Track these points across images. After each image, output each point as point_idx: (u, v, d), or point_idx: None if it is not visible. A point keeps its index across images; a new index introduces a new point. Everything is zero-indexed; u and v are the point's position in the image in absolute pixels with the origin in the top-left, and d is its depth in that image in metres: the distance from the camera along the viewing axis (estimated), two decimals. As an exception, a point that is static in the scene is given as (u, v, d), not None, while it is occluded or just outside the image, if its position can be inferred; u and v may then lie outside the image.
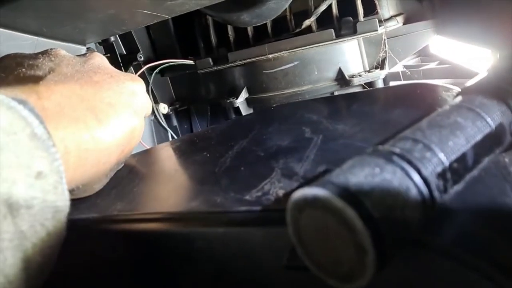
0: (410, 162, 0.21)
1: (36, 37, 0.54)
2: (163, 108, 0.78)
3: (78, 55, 0.41)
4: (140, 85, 0.41)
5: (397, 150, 0.22)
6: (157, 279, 0.31)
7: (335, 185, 0.19)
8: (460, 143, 0.23)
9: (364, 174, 0.20)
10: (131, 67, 0.77)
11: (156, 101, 0.78)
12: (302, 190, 0.20)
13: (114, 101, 0.36)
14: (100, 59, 0.41)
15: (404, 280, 0.23)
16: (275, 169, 0.33)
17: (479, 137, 0.24)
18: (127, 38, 0.78)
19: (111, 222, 0.32)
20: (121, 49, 0.78)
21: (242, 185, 0.32)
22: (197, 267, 0.30)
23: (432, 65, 0.67)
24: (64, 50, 0.41)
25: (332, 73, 0.67)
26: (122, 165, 0.42)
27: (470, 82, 0.31)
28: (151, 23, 0.55)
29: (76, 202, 0.38)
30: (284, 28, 0.71)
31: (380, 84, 0.66)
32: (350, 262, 0.19)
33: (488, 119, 0.26)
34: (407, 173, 0.20)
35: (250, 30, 0.73)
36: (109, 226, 0.32)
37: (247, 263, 0.28)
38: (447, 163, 0.22)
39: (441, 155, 0.22)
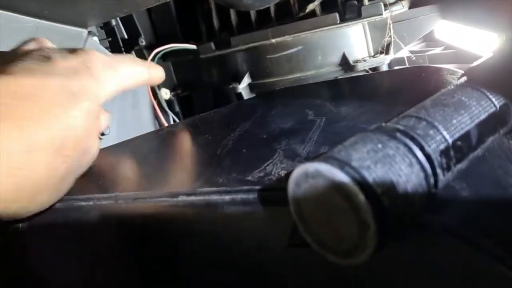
0: (413, 139, 0.20)
1: (38, 20, 0.53)
2: (165, 93, 0.78)
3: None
4: (87, 57, 0.32)
5: (400, 127, 0.21)
6: (157, 259, 0.31)
7: (337, 160, 0.19)
8: (464, 121, 0.23)
9: (366, 149, 0.19)
10: (133, 52, 0.77)
11: (157, 86, 0.78)
12: (303, 165, 0.19)
13: (36, 90, 0.28)
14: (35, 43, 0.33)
15: (407, 259, 0.23)
16: (278, 150, 0.33)
17: (483, 116, 0.24)
18: (128, 22, 0.77)
19: (113, 202, 0.32)
20: (123, 33, 0.77)
21: (245, 166, 0.32)
22: (199, 247, 0.30)
23: (438, 50, 0.66)
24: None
25: (336, 58, 0.67)
26: (86, 168, 0.35)
27: (475, 63, 0.30)
28: (153, 6, 0.55)
29: (77, 182, 0.38)
30: (288, 12, 0.70)
31: (384, 69, 0.66)
32: (352, 237, 0.18)
33: (493, 99, 0.25)
34: (410, 149, 0.20)
35: (253, 14, 0.72)
36: (111, 205, 0.32)
37: (249, 243, 0.28)
38: (450, 141, 0.22)
39: (445, 133, 0.22)
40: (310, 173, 0.19)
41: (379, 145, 0.20)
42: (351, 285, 0.24)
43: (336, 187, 0.18)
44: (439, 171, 0.21)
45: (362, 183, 0.18)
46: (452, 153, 0.22)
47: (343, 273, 0.24)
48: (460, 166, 0.23)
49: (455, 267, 0.22)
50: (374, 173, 0.18)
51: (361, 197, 0.17)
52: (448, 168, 0.22)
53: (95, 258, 0.33)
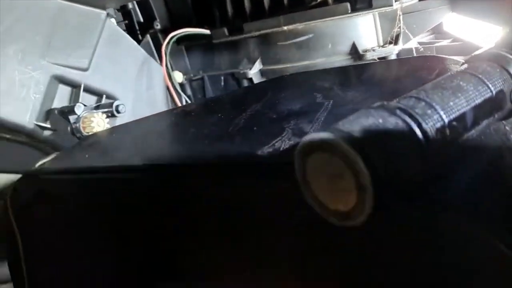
0: (411, 116, 0.22)
1: (59, 1, 0.55)
2: (178, 76, 0.80)
3: None
4: None
5: (400, 105, 0.23)
6: (170, 223, 0.33)
7: (340, 131, 0.21)
8: (461, 104, 0.25)
9: (368, 123, 0.21)
10: (148, 35, 0.79)
11: (171, 69, 0.80)
12: (309, 136, 0.21)
13: None
14: None
15: (403, 231, 0.25)
16: (286, 129, 0.35)
17: (479, 100, 0.26)
18: (144, 6, 0.79)
19: (130, 171, 0.35)
20: (139, 16, 0.80)
21: (254, 142, 0.34)
22: (208, 215, 0.32)
23: (445, 42, 0.67)
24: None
25: (346, 47, 0.68)
26: None
27: (477, 52, 0.32)
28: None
29: (94, 153, 0.41)
30: (300, 1, 0.71)
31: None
32: (351, 201, 0.21)
33: (490, 85, 0.27)
34: (408, 125, 0.22)
35: (266, 1, 0.74)
36: (128, 175, 0.35)
37: (256, 213, 0.30)
38: (446, 121, 0.24)
39: (442, 113, 0.24)
40: (316, 142, 0.21)
41: (380, 120, 0.22)
42: (345, 259, 0.26)
43: (339, 155, 0.20)
44: (434, 147, 0.23)
45: (362, 151, 0.20)
46: (447, 131, 0.24)
47: (341, 241, 0.26)
48: (455, 144, 0.25)
49: (448, 239, 0.24)
50: (373, 143, 0.20)
51: (361, 164, 0.19)
52: (443, 146, 0.23)
53: (112, 223, 0.36)
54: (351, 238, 0.25)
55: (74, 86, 0.54)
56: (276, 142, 0.33)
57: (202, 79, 0.87)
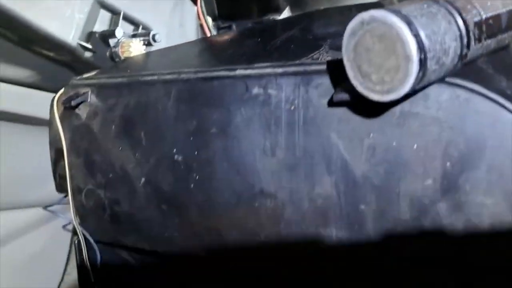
0: (453, 6, 0.24)
1: None
2: (209, 21, 0.81)
3: None
4: None
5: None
6: (213, 123, 0.36)
7: (388, 9, 0.23)
8: (497, 5, 0.27)
9: (414, 7, 0.23)
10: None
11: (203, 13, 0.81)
12: (359, 15, 0.24)
13: None
14: None
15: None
16: (323, 45, 0.37)
17: (514, 7, 0.28)
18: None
19: (176, 76, 0.37)
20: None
21: (293, 55, 0.36)
22: (251, 111, 0.34)
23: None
24: None
25: (375, -3, 0.69)
26: None
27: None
28: None
29: (135, 69, 0.43)
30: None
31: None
32: (396, 71, 0.23)
33: (525, -4, 0.29)
34: (450, 12, 0.24)
35: None
36: (174, 79, 0.37)
37: (298, 106, 0.33)
38: (483, 17, 0.26)
39: (480, 9, 0.26)
40: (366, 20, 0.23)
41: (425, 5, 0.24)
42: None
43: (387, 26, 0.22)
44: (471, 36, 0.25)
45: (410, 24, 0.22)
46: (484, 27, 0.26)
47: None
48: (490, 42, 0.27)
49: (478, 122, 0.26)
50: (419, 21, 0.22)
51: (408, 34, 0.22)
52: (479, 39, 0.25)
53: (158, 125, 0.38)
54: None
55: (114, 12, 0.56)
56: (314, 54, 0.35)
57: (230, 27, 0.88)
